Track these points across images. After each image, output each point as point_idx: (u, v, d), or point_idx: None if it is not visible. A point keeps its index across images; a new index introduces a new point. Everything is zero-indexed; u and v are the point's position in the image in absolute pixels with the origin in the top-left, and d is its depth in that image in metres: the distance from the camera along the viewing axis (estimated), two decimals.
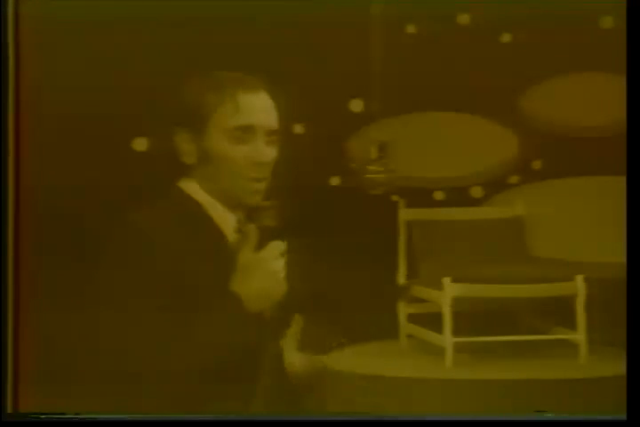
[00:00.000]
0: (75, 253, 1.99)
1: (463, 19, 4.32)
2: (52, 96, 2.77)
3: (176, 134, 1.93)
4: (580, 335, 3.70)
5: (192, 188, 1.93)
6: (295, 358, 2.03)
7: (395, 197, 4.18)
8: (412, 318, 4.02)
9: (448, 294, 3.67)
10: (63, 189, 3.36)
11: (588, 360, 3.69)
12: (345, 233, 3.98)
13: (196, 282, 1.83)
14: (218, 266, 1.85)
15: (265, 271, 1.84)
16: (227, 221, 1.92)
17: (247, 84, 1.92)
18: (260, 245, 1.86)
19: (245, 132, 1.89)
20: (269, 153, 1.91)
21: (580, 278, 3.71)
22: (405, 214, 4.12)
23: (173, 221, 1.89)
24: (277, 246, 1.86)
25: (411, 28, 4.33)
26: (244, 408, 1.89)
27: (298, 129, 4.18)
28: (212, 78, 1.94)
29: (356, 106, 4.34)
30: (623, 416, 1.97)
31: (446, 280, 3.68)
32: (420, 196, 4.26)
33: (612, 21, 4.05)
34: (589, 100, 4.24)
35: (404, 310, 4.04)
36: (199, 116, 1.90)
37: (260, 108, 1.91)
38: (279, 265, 1.86)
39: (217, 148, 1.90)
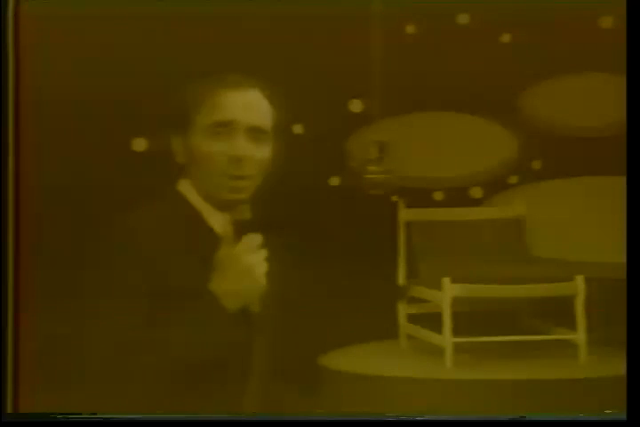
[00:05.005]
0: (75, 253, 1.99)
1: (463, 19, 4.33)
2: (52, 96, 2.77)
3: (169, 134, 1.94)
4: (579, 335, 3.70)
5: (186, 188, 1.94)
6: None
7: (395, 198, 4.18)
8: (412, 319, 4.02)
9: (448, 294, 3.67)
10: (64, 189, 3.36)
11: (587, 360, 3.69)
12: (345, 233, 3.98)
13: (191, 283, 1.82)
14: (210, 266, 1.84)
15: (238, 266, 1.80)
16: (217, 220, 1.92)
17: (229, 81, 1.92)
18: (236, 239, 1.80)
19: (224, 128, 1.88)
20: (249, 149, 1.88)
21: (580, 278, 3.71)
22: (405, 215, 4.12)
23: (169, 221, 1.89)
24: (252, 240, 1.80)
25: (411, 28, 4.34)
26: (236, 407, 1.89)
27: (298, 129, 4.18)
28: (195, 77, 1.96)
29: (356, 106, 4.34)
30: (623, 416, 1.97)
31: (446, 280, 3.68)
32: (419, 196, 4.27)
33: (612, 21, 4.05)
34: (589, 100, 4.25)
35: (403, 310, 4.04)
36: (183, 115, 1.92)
37: (241, 104, 1.89)
38: (255, 259, 1.80)
39: (199, 145, 1.90)
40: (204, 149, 1.90)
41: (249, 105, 1.91)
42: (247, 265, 1.80)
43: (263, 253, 1.82)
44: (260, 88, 1.93)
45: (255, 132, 1.90)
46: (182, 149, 1.93)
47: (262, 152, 1.91)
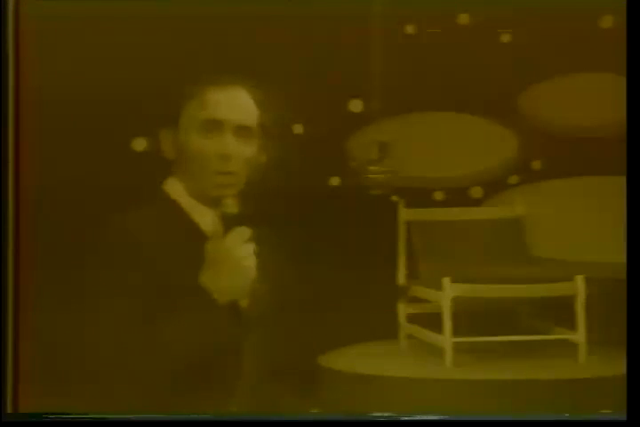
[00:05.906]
0: (75, 253, 1.99)
1: (463, 19, 4.33)
2: (52, 96, 2.77)
3: (159, 132, 1.97)
4: (579, 335, 3.70)
5: (173, 186, 1.96)
6: None
7: (395, 197, 4.18)
8: (412, 319, 4.02)
9: (448, 294, 3.67)
10: (64, 189, 3.36)
11: (587, 360, 3.69)
12: (345, 233, 3.98)
13: (181, 281, 1.83)
14: (199, 264, 1.85)
15: (227, 259, 1.82)
16: (205, 216, 1.94)
17: (218, 80, 1.95)
18: (225, 233, 1.83)
19: (212, 126, 1.92)
20: (237, 147, 1.92)
21: (580, 278, 3.71)
22: (405, 214, 4.12)
23: (158, 220, 1.91)
24: (240, 233, 1.83)
25: (410, 28, 4.34)
26: (232, 406, 1.89)
27: (298, 129, 4.18)
28: (184, 75, 1.99)
29: (356, 106, 4.34)
30: (623, 416, 1.97)
31: (446, 280, 3.68)
32: (419, 196, 4.27)
33: (612, 21, 4.05)
34: (589, 100, 4.24)
35: (403, 310, 4.04)
36: (172, 112, 1.94)
37: (229, 103, 1.93)
38: (244, 252, 1.83)
39: (188, 142, 1.94)
40: (192, 145, 1.93)
41: (237, 104, 1.94)
42: (235, 258, 1.82)
43: (251, 247, 1.84)
44: (248, 87, 1.95)
45: (242, 131, 1.93)
46: (171, 145, 1.96)
47: (250, 150, 1.95)
